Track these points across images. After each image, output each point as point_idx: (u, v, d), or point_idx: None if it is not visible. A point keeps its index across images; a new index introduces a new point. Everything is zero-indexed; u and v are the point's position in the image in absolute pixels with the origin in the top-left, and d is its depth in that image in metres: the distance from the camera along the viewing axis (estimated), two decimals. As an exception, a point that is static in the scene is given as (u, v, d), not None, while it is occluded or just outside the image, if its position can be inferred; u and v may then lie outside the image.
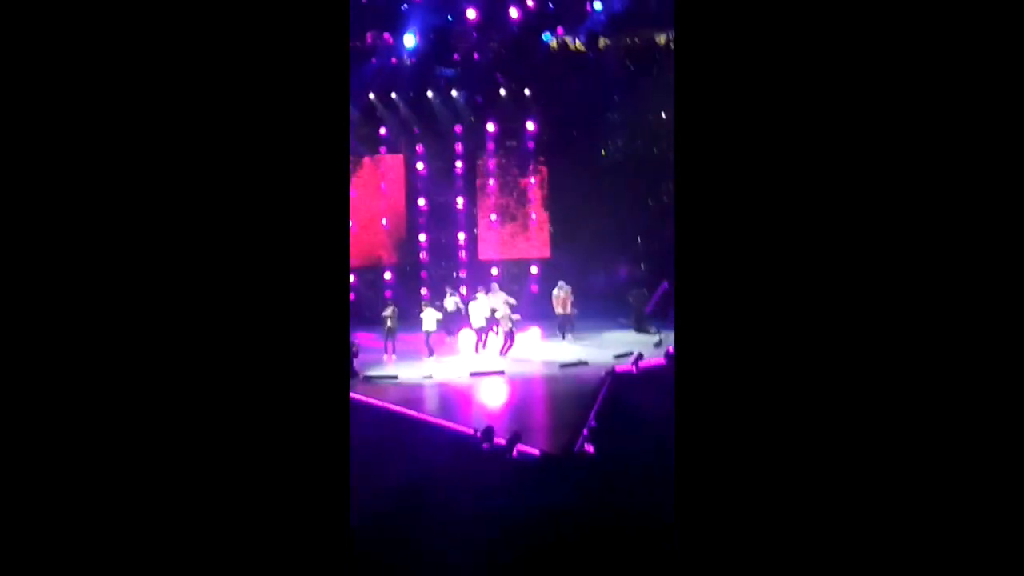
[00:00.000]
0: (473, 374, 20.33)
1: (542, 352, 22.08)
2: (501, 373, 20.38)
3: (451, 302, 23.44)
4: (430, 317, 22.10)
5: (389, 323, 21.97)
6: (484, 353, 21.95)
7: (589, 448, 14.09)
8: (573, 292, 23.16)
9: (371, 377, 20.28)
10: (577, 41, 24.48)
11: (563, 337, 22.95)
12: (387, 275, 26.75)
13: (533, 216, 26.67)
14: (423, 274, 26.92)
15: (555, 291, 23.22)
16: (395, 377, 20.35)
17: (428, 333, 21.96)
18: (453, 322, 23.11)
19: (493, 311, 22.08)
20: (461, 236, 26.82)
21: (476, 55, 24.84)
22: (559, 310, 23.14)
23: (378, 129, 26.17)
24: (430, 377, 20.33)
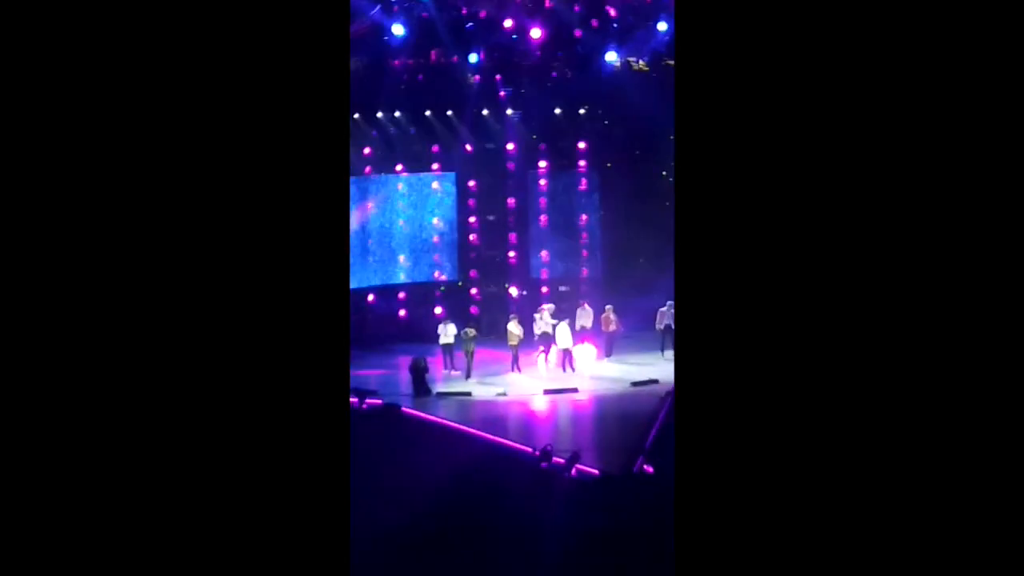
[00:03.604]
0: (547, 392, 20.32)
1: (613, 370, 22.06)
2: (575, 391, 20.37)
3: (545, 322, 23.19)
4: (448, 332, 22.15)
5: (468, 343, 21.92)
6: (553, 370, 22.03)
7: (648, 468, 14.03)
8: (615, 311, 23.21)
9: (443, 393, 20.34)
10: (641, 61, 24.49)
11: (608, 356, 23.02)
12: (438, 291, 26.83)
13: (585, 234, 26.71)
14: (474, 292, 26.96)
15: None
16: (469, 394, 20.38)
17: (446, 347, 22.07)
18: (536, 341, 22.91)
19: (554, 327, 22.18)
20: (512, 253, 26.89)
21: (539, 74, 24.97)
22: (604, 328, 23.23)
23: (431, 146, 26.33)
24: (504, 394, 20.32)
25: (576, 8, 24.60)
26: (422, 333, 24.10)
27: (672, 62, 24.07)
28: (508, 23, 24.31)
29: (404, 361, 21.48)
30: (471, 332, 21.98)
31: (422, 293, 26.67)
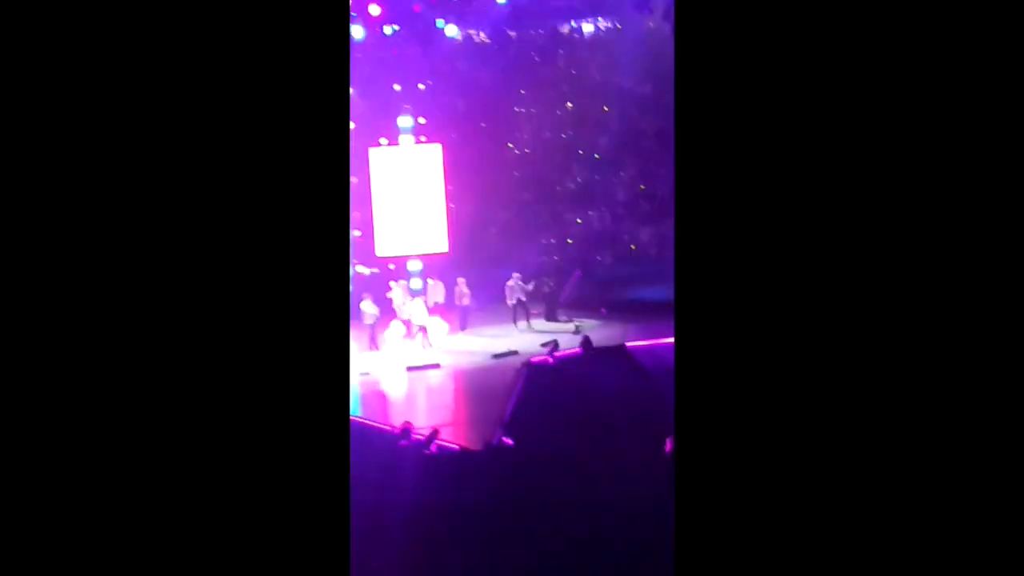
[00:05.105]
0: (409, 368, 20.15)
1: (472, 343, 22.09)
2: (437, 366, 20.25)
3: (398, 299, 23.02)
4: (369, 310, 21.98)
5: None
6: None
7: (508, 441, 14.09)
8: (468, 285, 23.28)
9: None
10: (481, 33, 24.47)
11: (463, 329, 23.07)
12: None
13: (432, 210, 26.50)
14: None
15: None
16: None
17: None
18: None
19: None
20: (356, 232, 26.51)
21: (378, 50, 24.69)
22: (458, 302, 23.29)
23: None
24: (367, 374, 20.08)
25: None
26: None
27: (514, 33, 24.24)
28: (346, -1, 24.05)
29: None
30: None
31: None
